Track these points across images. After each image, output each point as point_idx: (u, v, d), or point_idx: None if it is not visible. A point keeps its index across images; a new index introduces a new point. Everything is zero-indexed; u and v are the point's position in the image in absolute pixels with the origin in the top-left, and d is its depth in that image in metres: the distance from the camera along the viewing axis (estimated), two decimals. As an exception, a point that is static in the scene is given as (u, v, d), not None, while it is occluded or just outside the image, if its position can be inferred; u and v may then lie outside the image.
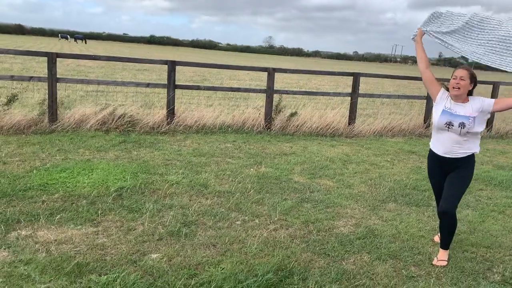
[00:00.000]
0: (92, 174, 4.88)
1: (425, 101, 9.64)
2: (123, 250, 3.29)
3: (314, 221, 4.08)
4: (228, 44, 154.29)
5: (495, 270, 3.42)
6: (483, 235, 4.07)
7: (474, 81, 3.33)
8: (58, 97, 7.42)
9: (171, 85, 7.72)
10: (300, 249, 3.51)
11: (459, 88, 3.27)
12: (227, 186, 4.88)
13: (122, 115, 7.42)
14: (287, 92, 9.17)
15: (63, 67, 18.12)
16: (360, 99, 9.27)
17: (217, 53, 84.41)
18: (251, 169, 5.65)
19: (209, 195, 4.56)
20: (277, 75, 8.60)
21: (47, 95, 7.14)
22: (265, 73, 8.41)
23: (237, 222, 3.94)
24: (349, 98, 9.00)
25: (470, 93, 3.36)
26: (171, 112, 7.72)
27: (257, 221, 4.01)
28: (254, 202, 4.46)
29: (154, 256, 3.24)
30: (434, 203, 4.84)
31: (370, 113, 11.24)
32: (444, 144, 3.39)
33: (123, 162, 5.46)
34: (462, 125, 3.27)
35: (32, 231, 3.47)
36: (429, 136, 8.93)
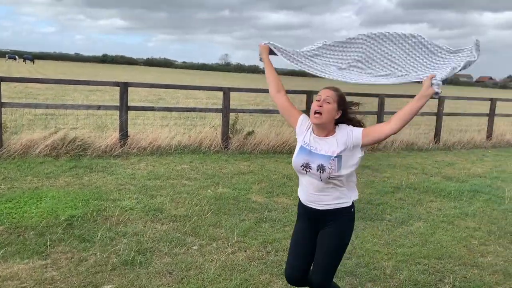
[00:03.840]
0: (40, 203, 4.66)
1: (375, 116, 9.95)
2: (74, 283, 3.14)
3: (272, 241, 4.08)
4: (184, 62, 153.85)
5: (446, 281, 3.54)
6: (434, 246, 4.21)
7: (343, 105, 2.44)
8: (4, 122, 7.09)
9: (124, 107, 7.57)
10: (258, 271, 3.49)
11: (320, 114, 2.36)
12: (183, 209, 4.80)
13: (72, 139, 7.17)
14: (243, 111, 9.22)
15: (10, 90, 17.37)
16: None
17: (173, 72, 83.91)
18: (208, 190, 5.59)
19: (164, 220, 4.46)
20: (233, 93, 8.64)
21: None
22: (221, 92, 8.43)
23: (194, 247, 3.87)
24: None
25: (338, 122, 2.46)
26: (124, 134, 7.55)
27: (214, 244, 3.95)
28: (211, 225, 4.41)
29: (107, 287, 3.11)
30: (388, 216, 5.00)
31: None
32: (305, 190, 2.49)
33: (74, 189, 5.26)
34: (321, 168, 2.35)
35: (-27, 269, 3.25)
36: (381, 150, 9.23)
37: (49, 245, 3.70)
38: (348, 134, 2.38)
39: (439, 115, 10.52)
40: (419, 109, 2.30)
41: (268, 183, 6.09)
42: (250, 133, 8.58)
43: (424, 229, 4.68)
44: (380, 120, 9.84)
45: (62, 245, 3.74)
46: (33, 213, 4.38)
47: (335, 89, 2.46)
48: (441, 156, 9.27)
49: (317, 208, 2.46)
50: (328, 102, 2.39)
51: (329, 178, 2.36)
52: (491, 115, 11.36)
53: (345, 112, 2.47)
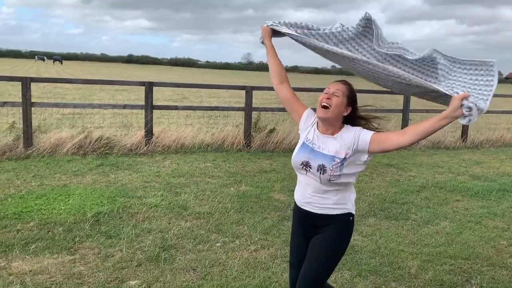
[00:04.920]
0: (68, 200, 4.79)
1: (401, 114, 9.80)
2: (101, 278, 3.22)
3: (294, 240, 4.07)
4: (207, 62, 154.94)
5: (473, 282, 3.46)
6: (461, 247, 4.12)
7: (352, 101, 2.23)
8: (34, 121, 7.30)
9: (149, 106, 7.69)
10: (281, 269, 3.49)
11: (327, 107, 2.16)
12: (206, 207, 4.85)
13: (99, 137, 7.34)
14: (265, 110, 9.23)
15: (39, 90, 17.89)
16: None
17: (197, 71, 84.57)
18: (231, 188, 5.63)
19: (188, 217, 4.52)
20: (256, 92, 8.65)
21: (21, 120, 7.02)
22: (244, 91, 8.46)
23: (217, 244, 3.91)
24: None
25: (347, 121, 2.26)
26: (149, 133, 7.67)
27: (237, 242, 3.98)
28: (234, 222, 4.44)
29: (132, 283, 3.18)
30: (414, 216, 4.93)
31: (348, 127, 11.35)
32: (302, 190, 2.28)
33: (101, 186, 5.37)
34: (321, 169, 2.14)
35: (6, 262, 3.37)
36: (407, 149, 9.08)
37: (77, 241, 3.80)
38: (355, 136, 2.15)
39: (466, 112, 10.25)
40: (440, 128, 2.01)
41: (290, 181, 6.08)
42: (272, 131, 8.58)
43: (451, 228, 4.59)
44: (405, 119, 9.69)
45: (90, 241, 3.83)
46: (61, 209, 4.51)
47: (345, 83, 2.25)
48: (469, 154, 9.06)
49: (311, 211, 2.24)
50: (337, 96, 2.17)
51: (329, 180, 2.14)
52: (522, 112, 11.02)
53: (355, 110, 2.26)
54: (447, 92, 2.01)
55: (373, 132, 2.17)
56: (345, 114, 2.22)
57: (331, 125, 2.21)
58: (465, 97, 1.93)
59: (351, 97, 2.22)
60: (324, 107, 2.17)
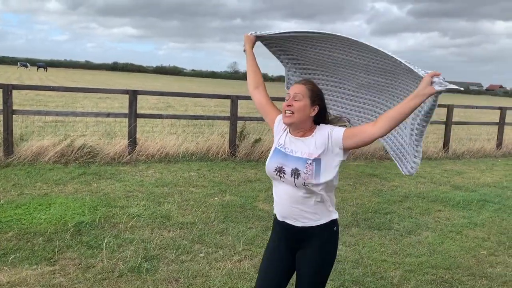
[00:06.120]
0: (49, 210, 4.70)
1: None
2: (81, 289, 3.16)
3: (278, 250, 4.07)
4: (193, 70, 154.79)
5: (454, 292, 3.50)
6: (442, 256, 4.17)
7: (319, 101, 2.14)
8: (15, 128, 7.18)
9: (133, 115, 7.63)
10: (264, 279, 3.48)
11: (291, 113, 2.08)
12: (190, 217, 4.81)
13: (81, 146, 7.24)
14: (250, 119, 9.25)
15: (21, 97, 17.62)
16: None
17: (182, 79, 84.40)
18: (216, 198, 5.60)
19: (171, 227, 4.48)
20: (241, 101, 8.67)
21: (2, 128, 6.90)
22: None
23: (201, 255, 3.88)
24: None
25: (319, 121, 2.16)
26: (132, 142, 7.61)
27: (221, 252, 3.96)
28: (218, 232, 4.41)
29: (113, 294, 3.13)
30: (396, 225, 4.97)
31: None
32: (280, 203, 2.14)
33: (83, 195, 5.30)
34: (295, 173, 2.03)
35: (-18, 274, 3.29)
36: (389, 159, 9.18)
37: (57, 251, 3.73)
38: (328, 135, 2.05)
39: (448, 123, 10.46)
40: (412, 109, 1.91)
41: (275, 191, 6.08)
42: (257, 141, 8.60)
43: (432, 238, 4.64)
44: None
45: (70, 251, 3.77)
46: (42, 219, 4.42)
47: (305, 82, 2.16)
48: (450, 165, 9.20)
49: (294, 224, 2.11)
50: (297, 100, 2.08)
51: (304, 184, 2.02)
52: (501, 124, 11.28)
53: (324, 107, 2.16)
54: (419, 73, 1.96)
55: (345, 128, 2.10)
56: (313, 114, 2.12)
57: (300, 128, 2.12)
58: (436, 75, 1.89)
59: (313, 96, 2.12)
60: (287, 113, 2.10)
